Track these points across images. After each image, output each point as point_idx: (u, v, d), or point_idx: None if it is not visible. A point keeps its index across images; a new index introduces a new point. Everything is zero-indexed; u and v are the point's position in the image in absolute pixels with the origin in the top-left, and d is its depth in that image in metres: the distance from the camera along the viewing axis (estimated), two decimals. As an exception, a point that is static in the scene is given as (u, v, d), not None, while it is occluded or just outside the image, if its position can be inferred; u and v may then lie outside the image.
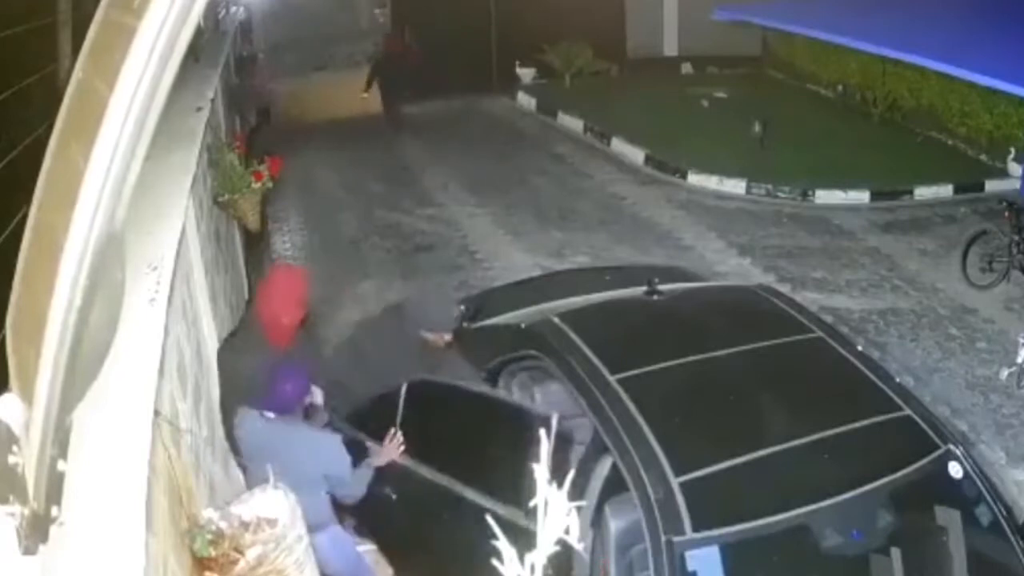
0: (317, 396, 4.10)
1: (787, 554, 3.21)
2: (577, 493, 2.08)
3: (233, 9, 12.37)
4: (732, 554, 3.07)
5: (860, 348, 4.22)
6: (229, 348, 4.01)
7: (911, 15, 10.01)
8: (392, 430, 4.04)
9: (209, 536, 2.20)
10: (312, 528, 2.94)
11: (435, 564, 4.00)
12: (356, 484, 3.87)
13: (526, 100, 15.80)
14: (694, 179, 11.39)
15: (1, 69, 2.98)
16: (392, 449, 4.01)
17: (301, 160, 11.30)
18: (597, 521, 3.48)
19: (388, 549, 4.28)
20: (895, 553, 3.21)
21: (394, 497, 4.08)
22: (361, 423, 4.38)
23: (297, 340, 4.09)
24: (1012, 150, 11.20)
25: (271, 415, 3.71)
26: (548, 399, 4.25)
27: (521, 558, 1.36)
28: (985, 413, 6.32)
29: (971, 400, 6.46)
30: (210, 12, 9.46)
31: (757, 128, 11.86)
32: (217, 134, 6.20)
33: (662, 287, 4.47)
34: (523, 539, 1.38)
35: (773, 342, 4.02)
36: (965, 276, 8.22)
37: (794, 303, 4.50)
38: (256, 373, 3.71)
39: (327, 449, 3.76)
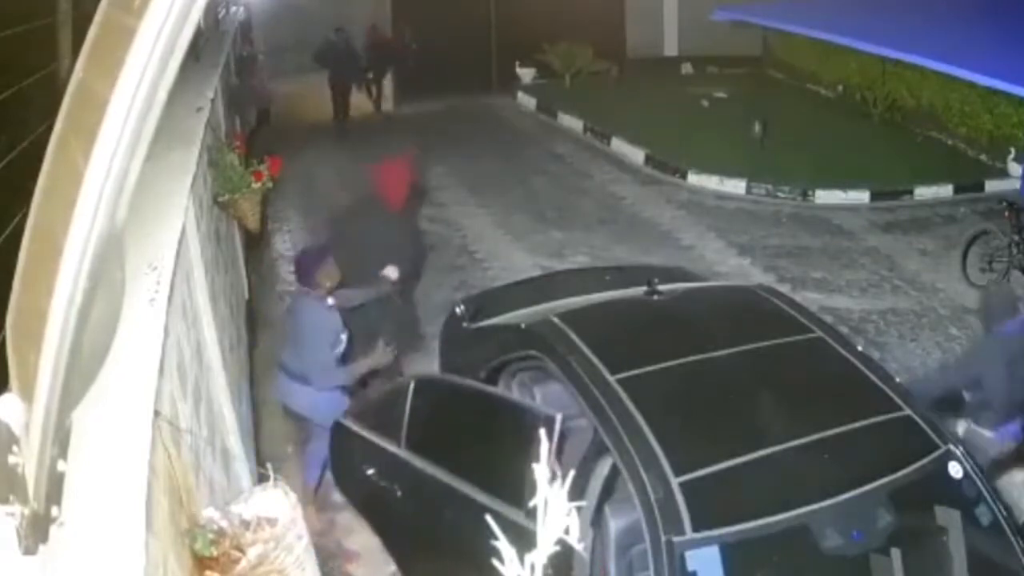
0: (392, 273, 5.55)
1: (787, 554, 3.21)
2: (577, 493, 2.08)
3: (233, 9, 12.36)
4: (732, 554, 3.07)
5: (860, 348, 4.22)
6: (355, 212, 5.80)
7: (911, 15, 10.00)
8: (382, 340, 4.99)
9: (210, 535, 2.20)
10: (318, 387, 4.78)
11: (437, 560, 4.01)
12: (348, 372, 4.90)
13: (526, 100, 15.80)
14: (694, 179, 11.39)
15: (1, 69, 2.97)
16: (382, 355, 4.95)
17: (301, 160, 11.30)
18: (597, 521, 3.48)
19: (391, 544, 4.29)
20: (895, 553, 3.21)
21: (398, 493, 4.09)
22: (369, 419, 4.41)
23: (407, 206, 5.84)
24: (1012, 150, 11.21)
25: (306, 291, 4.82)
26: (548, 399, 4.25)
27: (521, 558, 1.36)
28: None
29: (971, 400, 6.45)
30: (210, 12, 9.46)
31: (757, 128, 11.87)
32: (217, 134, 6.20)
33: (662, 287, 4.47)
34: (524, 538, 1.38)
35: (773, 342, 4.02)
36: (965, 276, 8.22)
37: (794, 303, 4.50)
38: (376, 228, 5.48)
39: (328, 322, 4.77)
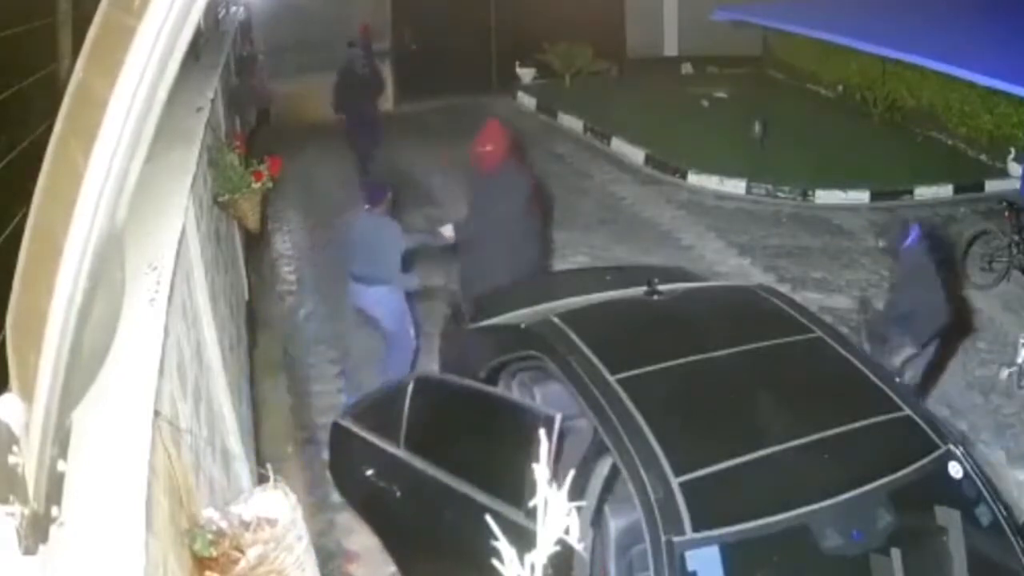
0: (447, 231, 6.27)
1: (787, 554, 3.21)
2: (577, 493, 2.08)
3: (233, 9, 12.36)
4: (732, 554, 3.07)
5: (860, 348, 4.22)
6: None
7: (911, 15, 10.01)
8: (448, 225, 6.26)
9: (210, 536, 2.20)
10: (380, 282, 5.98)
11: (437, 561, 4.01)
12: (410, 278, 6.23)
13: (526, 100, 15.79)
14: (694, 179, 11.39)
15: (1, 69, 2.97)
16: (447, 232, 6.17)
17: (301, 160, 11.30)
18: (597, 521, 3.48)
19: (390, 545, 4.28)
20: (895, 553, 3.21)
21: (398, 494, 4.09)
22: (368, 419, 4.40)
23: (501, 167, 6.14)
24: (1012, 150, 11.20)
25: (374, 211, 6.05)
26: (548, 399, 4.25)
27: (521, 558, 1.36)
28: (985, 413, 6.32)
29: (971, 400, 6.47)
30: (210, 12, 9.46)
31: (757, 128, 11.86)
32: (217, 134, 6.20)
33: (662, 287, 4.47)
34: (524, 539, 1.38)
35: (773, 342, 4.02)
36: (965, 276, 8.22)
37: (794, 303, 4.50)
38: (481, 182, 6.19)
39: (391, 229, 6.01)
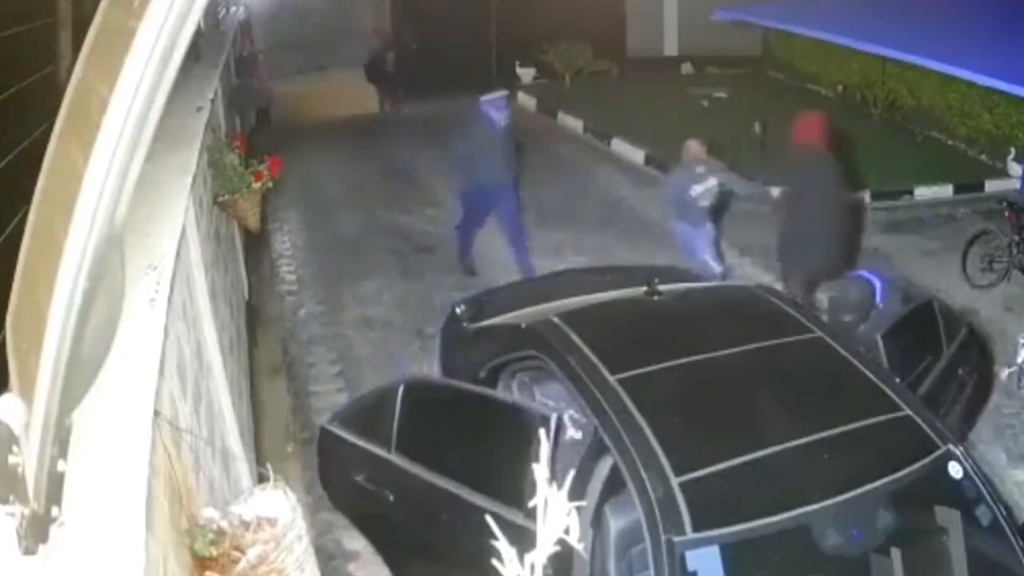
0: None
1: (787, 554, 3.21)
2: (577, 493, 2.08)
3: (233, 9, 12.37)
4: (732, 554, 3.07)
5: (860, 348, 4.21)
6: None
7: (911, 15, 10.02)
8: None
9: (210, 536, 2.20)
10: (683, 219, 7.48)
11: (433, 564, 4.00)
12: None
13: (526, 100, 15.79)
14: (694, 179, 11.37)
15: (1, 69, 2.98)
16: (773, 192, 7.63)
17: (301, 160, 11.30)
18: (597, 521, 3.48)
19: (384, 550, 4.26)
20: (895, 553, 3.21)
21: (390, 499, 4.06)
22: (357, 424, 4.38)
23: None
24: (1012, 150, 11.20)
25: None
26: (548, 399, 4.25)
27: (521, 559, 1.36)
28: (985, 413, 6.31)
29: (971, 400, 6.45)
30: (210, 12, 9.46)
31: (757, 128, 11.85)
32: (217, 134, 6.20)
33: (662, 287, 4.47)
34: (523, 539, 1.38)
35: (773, 342, 4.02)
36: (965, 276, 8.22)
37: (794, 303, 4.50)
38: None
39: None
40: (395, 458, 4.02)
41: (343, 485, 4.43)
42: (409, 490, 3.95)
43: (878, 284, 5.35)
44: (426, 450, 3.95)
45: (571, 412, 4.17)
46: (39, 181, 1.29)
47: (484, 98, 8.03)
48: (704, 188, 7.39)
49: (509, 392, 4.38)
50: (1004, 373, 6.60)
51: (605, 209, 10.56)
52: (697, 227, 7.54)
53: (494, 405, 3.91)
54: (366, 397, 4.91)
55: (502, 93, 8.25)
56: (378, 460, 4.09)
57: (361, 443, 4.21)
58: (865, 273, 5.62)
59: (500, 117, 7.98)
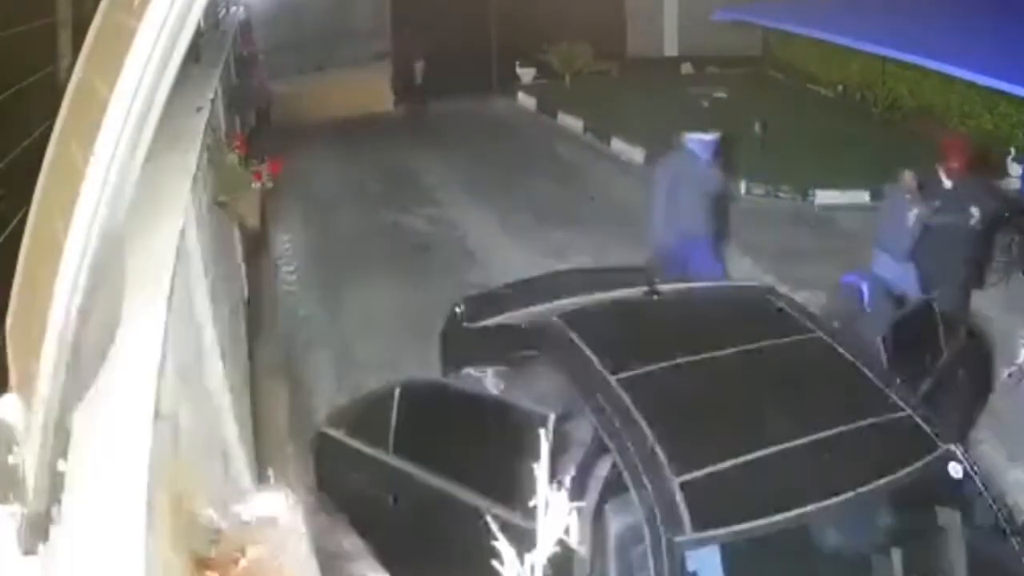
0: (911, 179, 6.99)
1: (787, 554, 3.21)
2: (577, 493, 2.08)
3: (233, 9, 12.36)
4: (732, 554, 3.07)
5: (860, 348, 4.21)
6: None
7: (911, 15, 10.01)
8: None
9: (210, 536, 2.20)
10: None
11: (433, 564, 3.99)
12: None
13: (526, 100, 15.79)
14: (694, 179, 11.37)
15: (1, 69, 2.98)
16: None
17: (301, 160, 11.30)
18: (597, 521, 3.48)
19: (383, 552, 4.26)
20: (895, 553, 3.21)
21: (389, 500, 4.06)
22: (353, 426, 4.37)
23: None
24: (1012, 150, 11.19)
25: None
26: (547, 399, 4.24)
27: (521, 558, 1.36)
28: (985, 413, 6.30)
29: (971, 400, 6.45)
30: (210, 12, 9.45)
31: (757, 128, 11.85)
32: (217, 134, 6.20)
33: (662, 287, 4.47)
34: (523, 540, 1.38)
35: (773, 342, 4.02)
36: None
37: (794, 303, 4.50)
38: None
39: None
40: (393, 459, 4.02)
41: (340, 489, 4.42)
42: (408, 491, 3.95)
43: (865, 288, 5.26)
44: (424, 451, 3.94)
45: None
46: (39, 181, 1.29)
47: (690, 136, 7.20)
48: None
49: (509, 392, 4.36)
50: (1004, 373, 6.60)
51: (605, 209, 10.55)
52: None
53: (491, 405, 3.91)
54: (362, 399, 4.91)
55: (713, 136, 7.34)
56: (375, 462, 4.09)
57: (357, 445, 4.21)
58: (852, 277, 5.48)
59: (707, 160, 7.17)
